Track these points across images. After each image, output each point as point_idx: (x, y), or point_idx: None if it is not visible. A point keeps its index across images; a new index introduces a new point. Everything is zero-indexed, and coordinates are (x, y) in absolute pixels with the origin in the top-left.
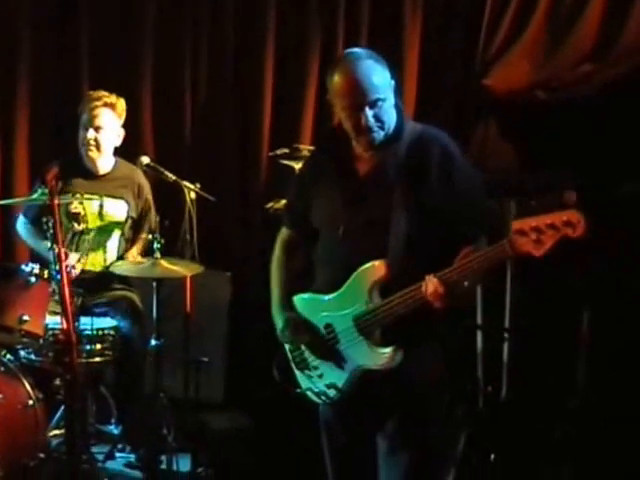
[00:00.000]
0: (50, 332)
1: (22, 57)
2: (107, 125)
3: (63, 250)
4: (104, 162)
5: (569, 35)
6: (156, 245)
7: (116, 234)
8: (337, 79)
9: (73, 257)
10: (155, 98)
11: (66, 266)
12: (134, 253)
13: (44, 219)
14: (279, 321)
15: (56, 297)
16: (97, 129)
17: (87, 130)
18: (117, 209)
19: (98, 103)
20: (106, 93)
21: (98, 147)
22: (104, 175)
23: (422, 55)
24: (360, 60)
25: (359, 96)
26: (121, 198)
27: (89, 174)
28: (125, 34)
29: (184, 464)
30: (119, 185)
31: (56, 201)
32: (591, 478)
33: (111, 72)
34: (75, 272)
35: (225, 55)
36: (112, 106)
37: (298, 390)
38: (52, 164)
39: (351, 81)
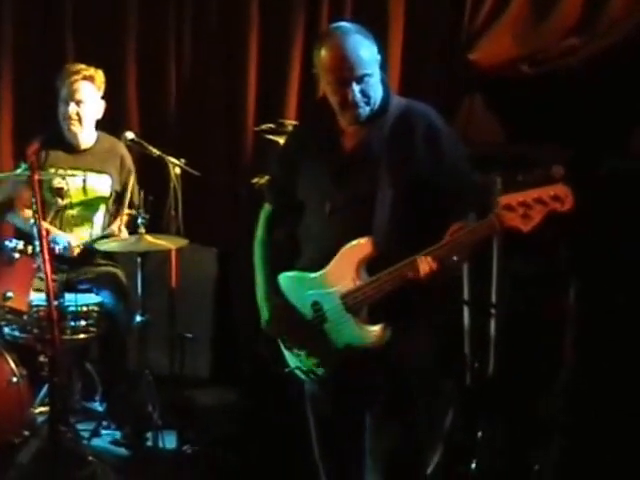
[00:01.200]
0: (34, 309)
1: (5, 33)
2: (88, 98)
3: (46, 225)
4: (86, 136)
5: (554, 8)
6: (140, 221)
7: (101, 209)
8: (324, 53)
9: (72, 239)
10: (140, 73)
11: (64, 246)
12: (116, 228)
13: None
14: (264, 312)
15: (41, 274)
16: (78, 103)
17: (68, 104)
18: (101, 183)
19: (77, 77)
20: (84, 66)
21: (80, 121)
22: (86, 149)
23: (406, 29)
24: (348, 35)
25: (346, 71)
26: (104, 172)
27: (71, 149)
28: (109, 9)
29: (170, 441)
30: (102, 159)
31: (37, 177)
32: (579, 454)
33: (95, 47)
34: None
35: (210, 30)
36: (91, 79)
37: (286, 369)
38: (33, 140)
39: (339, 56)
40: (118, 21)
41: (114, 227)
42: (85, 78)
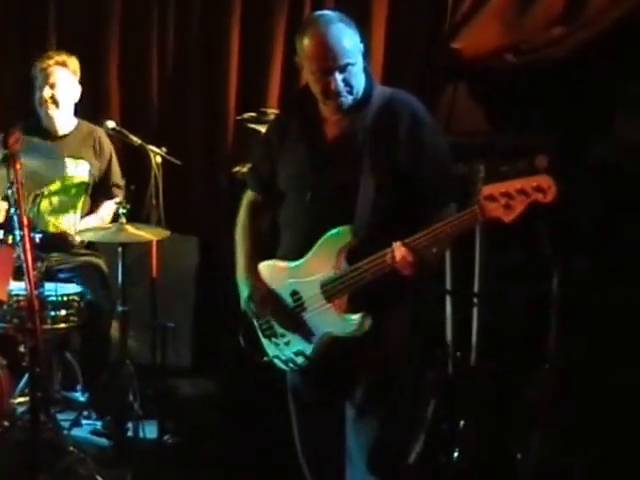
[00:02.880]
0: (14, 298)
1: None
2: (62, 82)
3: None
4: (64, 122)
5: None
6: (121, 210)
7: (83, 196)
8: (307, 42)
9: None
10: (121, 62)
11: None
12: (106, 216)
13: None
14: (244, 291)
15: (20, 263)
16: (52, 86)
17: (43, 89)
18: (78, 170)
19: (50, 62)
20: (57, 52)
21: (56, 104)
22: (65, 136)
23: (390, 17)
24: (331, 23)
25: (329, 60)
26: (82, 158)
27: (50, 135)
28: None
29: (151, 431)
30: (79, 145)
31: (18, 165)
32: (561, 443)
33: (77, 36)
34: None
35: (192, 19)
36: (64, 64)
37: (265, 358)
38: (14, 128)
39: (321, 45)
40: (100, 10)
41: (104, 216)
42: (58, 63)
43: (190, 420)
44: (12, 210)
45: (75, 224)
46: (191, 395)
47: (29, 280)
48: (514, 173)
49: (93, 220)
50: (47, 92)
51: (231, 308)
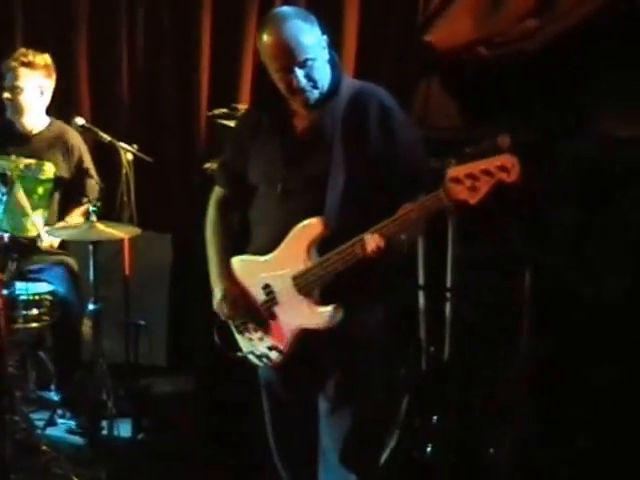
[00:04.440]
0: None
1: None
2: (26, 85)
3: None
4: (32, 122)
5: None
6: (92, 208)
7: (49, 197)
8: (265, 41)
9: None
10: (91, 59)
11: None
12: (71, 219)
13: None
14: (217, 292)
15: None
16: (15, 89)
17: (6, 90)
18: (44, 170)
19: (15, 63)
20: (25, 51)
21: (18, 108)
22: (34, 135)
23: (362, 11)
24: (285, 20)
25: (288, 58)
26: (48, 159)
27: (20, 135)
28: None
29: (125, 430)
30: (47, 145)
31: None
32: (532, 440)
33: (47, 33)
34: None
35: (162, 15)
36: (30, 65)
37: (239, 354)
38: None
39: (278, 43)
40: (70, 6)
41: (74, 216)
42: (23, 64)
43: (165, 418)
44: None
45: (43, 225)
46: (166, 393)
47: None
48: (478, 154)
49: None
50: (7, 96)
51: (206, 304)
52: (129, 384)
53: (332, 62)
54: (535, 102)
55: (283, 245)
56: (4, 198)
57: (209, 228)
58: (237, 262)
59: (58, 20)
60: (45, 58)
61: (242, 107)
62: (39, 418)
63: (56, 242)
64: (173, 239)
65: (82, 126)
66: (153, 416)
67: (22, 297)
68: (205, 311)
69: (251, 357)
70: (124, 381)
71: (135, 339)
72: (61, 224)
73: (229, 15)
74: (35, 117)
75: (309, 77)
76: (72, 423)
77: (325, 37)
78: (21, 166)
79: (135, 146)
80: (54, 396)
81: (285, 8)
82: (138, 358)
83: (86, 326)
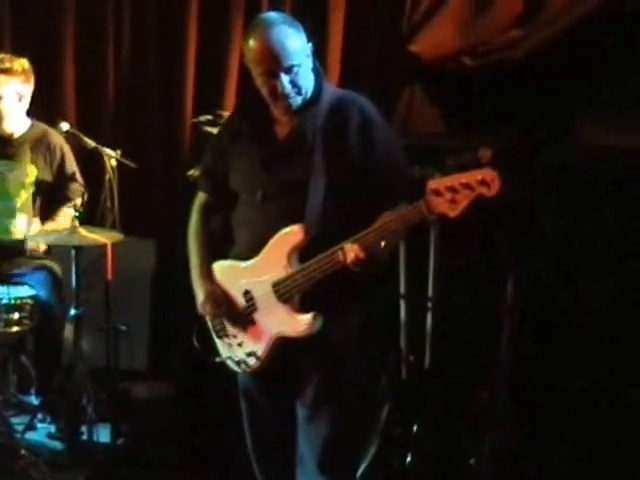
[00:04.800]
0: None
1: None
2: (5, 92)
3: None
4: (12, 127)
5: (497, 0)
6: (75, 213)
7: (30, 199)
8: (251, 46)
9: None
10: (77, 64)
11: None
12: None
13: None
14: (199, 293)
15: None
16: None
17: None
18: (25, 173)
19: None
20: (3, 56)
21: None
22: (16, 139)
23: (347, 19)
24: (273, 26)
25: (273, 63)
26: (30, 162)
27: (1, 139)
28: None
29: (104, 435)
30: (28, 148)
31: None
32: (513, 448)
33: (32, 36)
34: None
35: (148, 20)
36: (7, 71)
37: (218, 359)
38: None
39: (264, 48)
40: (55, 10)
41: (58, 220)
42: (2, 71)
43: (144, 423)
44: None
45: (26, 228)
46: (146, 398)
47: None
48: (458, 166)
49: (50, 227)
50: None
51: (187, 311)
52: (109, 389)
53: (315, 70)
54: (519, 110)
55: (264, 252)
56: None
57: (191, 232)
58: (219, 267)
59: (43, 25)
60: (22, 63)
61: (226, 114)
62: (19, 422)
63: (43, 245)
64: (156, 245)
65: (67, 131)
66: (132, 421)
67: (3, 301)
68: (186, 317)
69: (229, 362)
70: (104, 386)
71: (116, 344)
72: (46, 227)
73: (214, 21)
74: (15, 121)
75: (293, 83)
76: (52, 427)
77: (310, 45)
78: (3, 169)
79: (119, 152)
80: (34, 400)
81: (272, 14)
82: (118, 363)
83: (67, 330)
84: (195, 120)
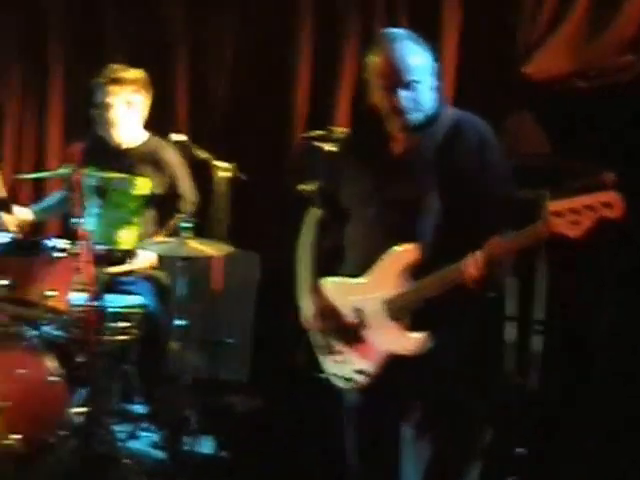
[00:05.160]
0: (74, 308)
1: (54, 31)
2: (114, 101)
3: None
4: (123, 137)
5: (611, 23)
6: (186, 224)
7: (145, 211)
8: (373, 58)
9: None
10: (190, 76)
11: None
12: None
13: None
14: (306, 307)
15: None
16: (102, 106)
17: (97, 108)
18: (139, 185)
19: (104, 80)
20: (114, 67)
21: (107, 124)
22: (127, 150)
23: (460, 41)
24: (397, 40)
25: (394, 76)
26: (142, 174)
27: (113, 149)
28: (158, 11)
29: (207, 446)
30: (140, 161)
31: (76, 177)
32: None
33: (145, 49)
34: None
35: (261, 33)
36: (118, 81)
37: (322, 375)
38: (78, 141)
39: (386, 61)
40: (167, 22)
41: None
42: (112, 81)
43: (245, 436)
44: (72, 221)
45: (135, 239)
46: (247, 411)
47: (88, 292)
48: (581, 189)
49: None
50: (98, 112)
51: (290, 325)
52: (212, 400)
53: (435, 89)
54: (631, 132)
55: (376, 269)
56: (99, 211)
57: (302, 246)
58: (328, 283)
59: (157, 37)
60: (135, 73)
61: (337, 130)
62: (122, 430)
63: (154, 260)
64: (261, 258)
65: (178, 142)
66: (234, 433)
67: (111, 309)
68: (290, 331)
69: (334, 379)
70: (207, 397)
71: (219, 356)
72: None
73: (328, 35)
74: (126, 132)
75: (413, 99)
76: (155, 437)
77: (435, 64)
78: (113, 180)
79: (230, 164)
80: (138, 409)
81: (398, 29)
82: (221, 375)
83: (172, 341)
84: (305, 135)
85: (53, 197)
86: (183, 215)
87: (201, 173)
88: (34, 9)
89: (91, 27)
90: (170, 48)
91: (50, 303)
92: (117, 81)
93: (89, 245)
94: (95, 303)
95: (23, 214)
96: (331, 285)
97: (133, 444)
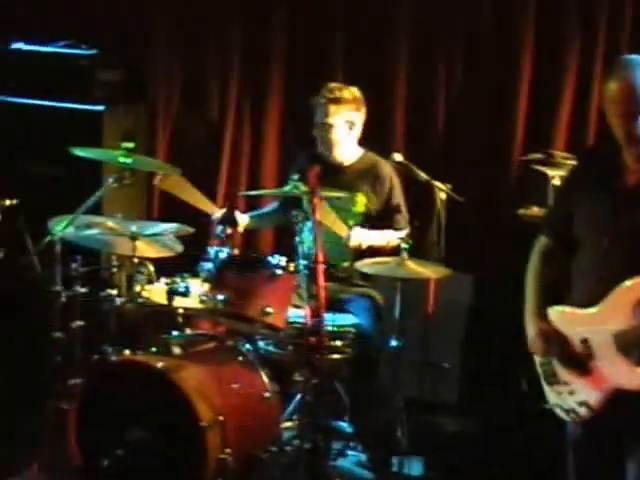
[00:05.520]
0: (291, 325)
1: (275, 51)
2: (336, 121)
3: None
4: (343, 155)
5: None
6: (404, 245)
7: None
8: (611, 85)
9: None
10: (408, 97)
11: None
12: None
13: (293, 212)
14: (531, 330)
15: (300, 290)
16: (324, 126)
17: (317, 125)
18: (354, 202)
19: (323, 99)
20: (332, 86)
21: (329, 144)
22: (346, 167)
23: None
24: (636, 67)
25: (631, 104)
26: (358, 191)
27: (331, 166)
28: (381, 33)
29: (415, 467)
30: (358, 177)
31: (316, 200)
32: None
33: (365, 69)
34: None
35: (481, 57)
36: (338, 100)
37: (546, 405)
38: (314, 165)
39: (625, 88)
40: (389, 48)
41: (388, 237)
42: (331, 100)
43: (455, 458)
44: (297, 239)
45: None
46: (456, 433)
47: (317, 315)
48: None
49: (375, 234)
50: (318, 132)
51: (502, 348)
52: (421, 421)
53: None
54: None
55: (607, 300)
56: (305, 224)
57: (530, 274)
58: (554, 312)
59: (376, 58)
60: (353, 91)
61: (557, 153)
62: (330, 448)
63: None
64: (474, 281)
65: (399, 162)
66: (442, 455)
67: (328, 328)
68: (501, 355)
69: (558, 410)
70: (416, 418)
71: (430, 377)
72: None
73: (549, 59)
74: (345, 150)
75: None
76: (362, 456)
77: None
78: (332, 197)
79: (449, 185)
80: (347, 427)
81: (637, 56)
82: (431, 396)
83: (384, 361)
84: (524, 158)
85: (268, 208)
86: (399, 232)
87: (418, 193)
88: (250, 30)
89: (311, 47)
90: (391, 68)
91: (268, 320)
92: (337, 101)
93: (323, 270)
94: (317, 321)
95: (242, 219)
96: (557, 314)
97: (340, 462)
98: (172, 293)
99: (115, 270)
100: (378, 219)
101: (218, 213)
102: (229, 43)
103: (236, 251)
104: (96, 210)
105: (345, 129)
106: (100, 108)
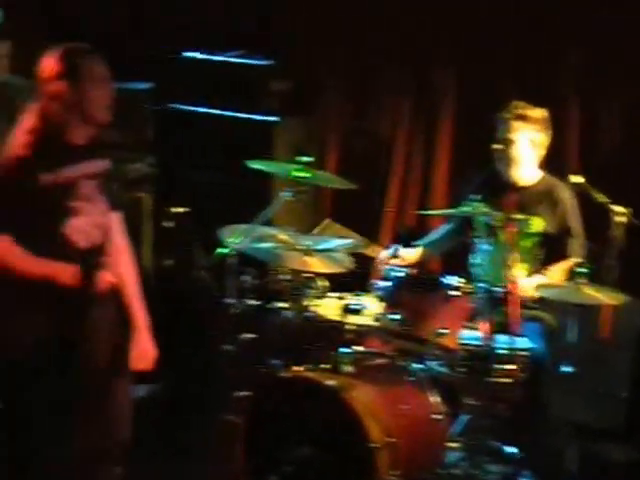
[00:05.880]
0: (462, 346)
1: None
2: (518, 138)
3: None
4: (521, 175)
5: None
6: (582, 270)
7: (534, 251)
8: None
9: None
10: (583, 117)
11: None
12: (553, 273)
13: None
14: None
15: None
16: (506, 141)
17: (499, 142)
18: (533, 224)
19: (509, 115)
20: (520, 104)
21: (508, 160)
22: (523, 188)
23: None
24: None
25: None
26: (536, 213)
27: (508, 186)
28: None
29: None
30: (535, 200)
31: (511, 228)
32: None
33: (537, 87)
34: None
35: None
36: (524, 118)
37: None
38: (511, 193)
39: None
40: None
41: (551, 272)
42: (517, 117)
43: None
44: (470, 260)
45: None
46: (622, 462)
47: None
48: None
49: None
50: (500, 147)
51: None
52: (588, 449)
53: None
54: None
55: None
56: (490, 249)
57: None
58: None
59: (549, 75)
60: (541, 112)
61: None
62: (496, 471)
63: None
64: None
65: (577, 184)
66: None
67: (500, 351)
68: None
69: None
70: (584, 445)
71: (598, 404)
72: (542, 281)
73: None
74: (524, 170)
75: None
76: None
77: None
78: (509, 219)
79: (629, 209)
80: (514, 451)
81: None
82: (598, 423)
83: (555, 387)
84: None
85: (440, 231)
86: (576, 258)
87: (596, 217)
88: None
89: (486, 63)
90: (563, 87)
91: (441, 341)
92: (523, 118)
93: (516, 297)
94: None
95: (410, 255)
96: None
97: None
98: (348, 310)
99: (285, 284)
100: (553, 242)
101: (383, 254)
102: (403, 58)
103: (413, 271)
104: (266, 222)
105: (527, 148)
106: (273, 119)
